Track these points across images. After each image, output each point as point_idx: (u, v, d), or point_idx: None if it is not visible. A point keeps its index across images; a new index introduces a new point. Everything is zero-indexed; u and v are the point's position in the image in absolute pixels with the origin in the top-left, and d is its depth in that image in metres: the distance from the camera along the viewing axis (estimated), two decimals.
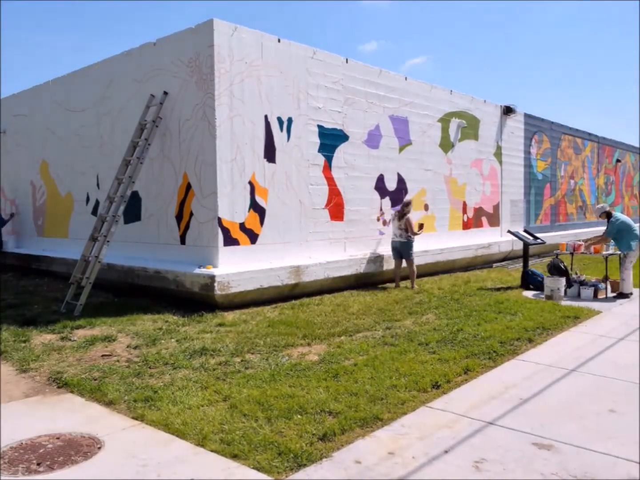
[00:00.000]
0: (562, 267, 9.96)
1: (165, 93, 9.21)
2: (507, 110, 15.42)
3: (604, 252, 10.04)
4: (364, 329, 7.09)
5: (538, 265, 13.08)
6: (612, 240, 9.74)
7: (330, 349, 6.07)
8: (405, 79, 11.98)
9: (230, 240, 8.62)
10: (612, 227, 9.50)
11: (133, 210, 9.94)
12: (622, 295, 9.45)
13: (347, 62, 10.58)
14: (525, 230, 12.13)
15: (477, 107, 14.33)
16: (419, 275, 11.69)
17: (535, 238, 11.61)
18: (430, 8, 73.59)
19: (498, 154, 15.26)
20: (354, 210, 10.77)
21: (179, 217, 9.18)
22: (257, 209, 9.05)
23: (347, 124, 10.60)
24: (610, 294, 9.66)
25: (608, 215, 9.71)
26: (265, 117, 9.15)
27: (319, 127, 10.04)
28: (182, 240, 9.11)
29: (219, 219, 8.48)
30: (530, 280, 10.35)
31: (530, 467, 3.44)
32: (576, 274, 10.21)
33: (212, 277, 8.01)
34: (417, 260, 11.56)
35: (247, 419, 4.14)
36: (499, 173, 15.35)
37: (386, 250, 11.14)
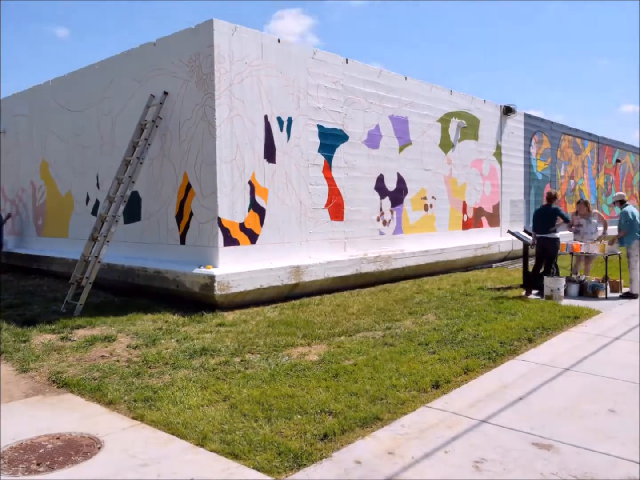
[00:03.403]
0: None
1: (165, 93, 9.21)
2: (507, 110, 15.42)
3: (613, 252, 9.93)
4: (364, 329, 7.08)
5: None
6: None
7: (330, 349, 6.07)
8: (405, 79, 11.98)
9: (230, 240, 8.62)
10: None
11: (133, 210, 9.94)
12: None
13: (347, 62, 10.58)
14: (525, 230, 12.12)
15: (477, 107, 14.33)
16: (419, 275, 11.77)
17: None
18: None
19: (498, 154, 15.26)
20: (354, 210, 10.77)
21: (179, 217, 9.19)
22: (257, 209, 9.05)
23: (347, 124, 10.60)
24: (610, 294, 9.66)
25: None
26: (265, 117, 9.15)
27: (319, 127, 10.04)
28: (182, 240, 9.11)
29: (219, 219, 8.48)
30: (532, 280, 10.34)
31: (530, 467, 3.45)
32: (576, 273, 10.20)
33: (212, 277, 8.01)
34: (417, 261, 11.72)
35: (247, 419, 4.14)
36: (498, 173, 15.35)
37: (385, 250, 11.16)
